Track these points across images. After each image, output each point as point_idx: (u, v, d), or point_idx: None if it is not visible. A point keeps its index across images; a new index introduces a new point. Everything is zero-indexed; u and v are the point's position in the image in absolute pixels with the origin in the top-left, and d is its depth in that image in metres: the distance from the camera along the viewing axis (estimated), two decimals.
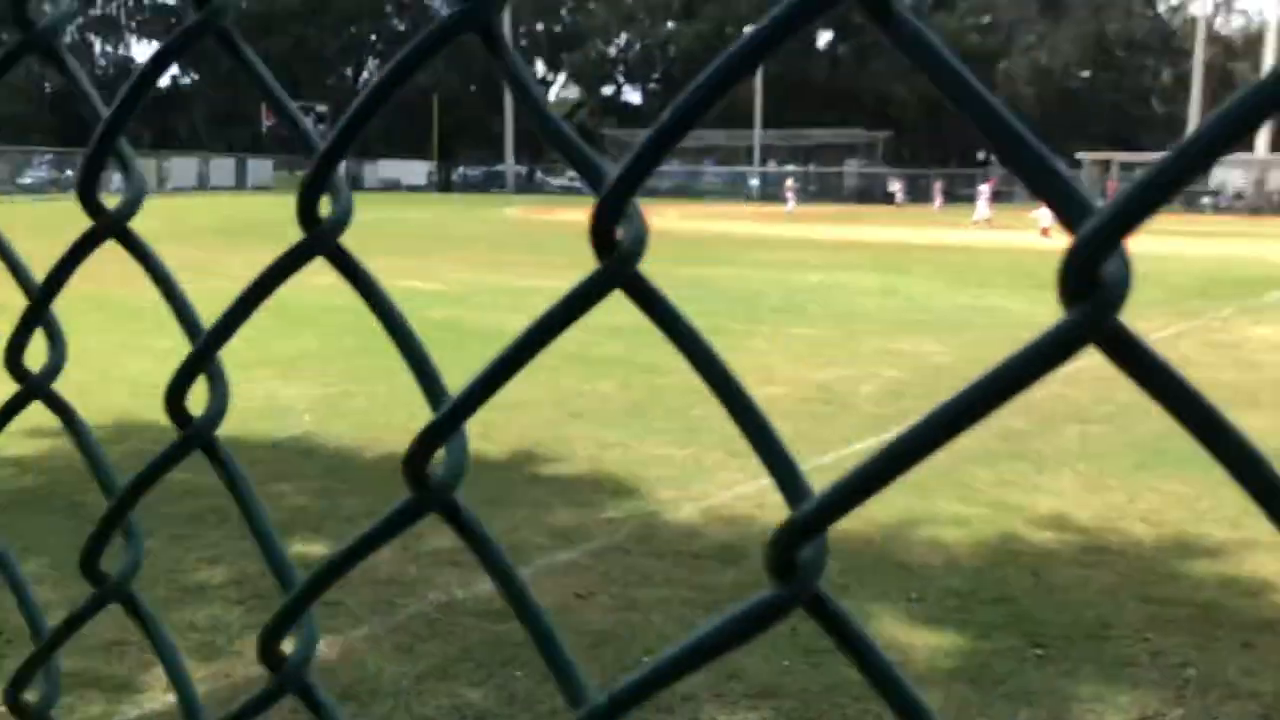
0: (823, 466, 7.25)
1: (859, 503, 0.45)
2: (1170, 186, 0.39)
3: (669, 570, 5.51)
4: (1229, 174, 64.49)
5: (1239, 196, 61.56)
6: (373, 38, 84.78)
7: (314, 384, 9.77)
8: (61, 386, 0.92)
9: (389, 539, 0.65)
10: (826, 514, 0.47)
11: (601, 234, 0.48)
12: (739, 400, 0.52)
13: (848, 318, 15.05)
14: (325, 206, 0.66)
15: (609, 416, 8.76)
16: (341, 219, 0.65)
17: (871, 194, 67.29)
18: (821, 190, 68.66)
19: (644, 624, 4.92)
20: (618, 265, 0.49)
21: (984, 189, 44.44)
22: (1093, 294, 0.41)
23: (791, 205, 53.29)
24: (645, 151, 0.47)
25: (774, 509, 6.39)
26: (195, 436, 0.73)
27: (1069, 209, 0.43)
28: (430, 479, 0.63)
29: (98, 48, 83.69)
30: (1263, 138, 63.54)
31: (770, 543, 0.49)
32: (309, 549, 5.71)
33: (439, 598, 5.13)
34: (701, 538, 5.98)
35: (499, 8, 0.54)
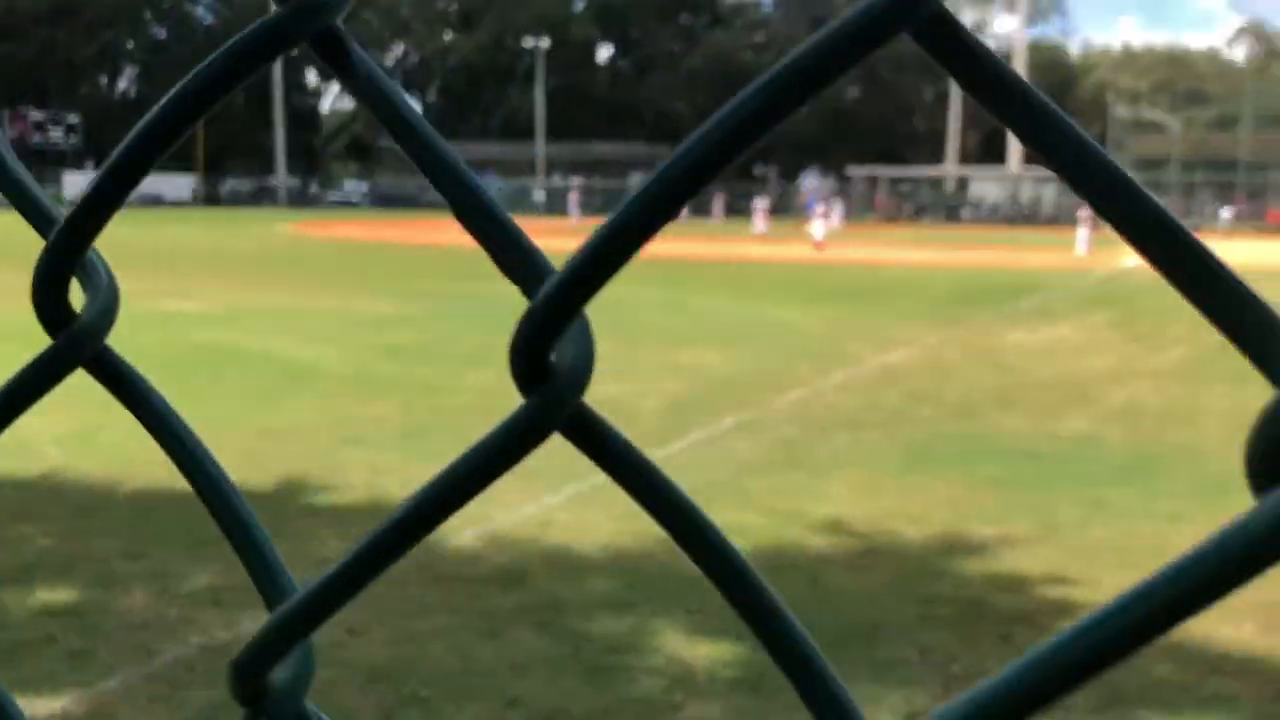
0: (601, 485, 7.23)
1: (334, 610, 0.45)
2: (626, 247, 0.35)
3: (449, 598, 5.36)
4: (986, 187, 68.63)
5: (995, 208, 65.59)
6: (129, 44, 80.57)
7: (61, 415, 9.08)
8: None
9: None
10: (303, 619, 0.44)
11: (51, 308, 0.44)
12: (218, 492, 0.50)
13: (630, 331, 15.17)
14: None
15: (386, 440, 8.51)
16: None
17: None
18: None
19: (422, 656, 4.76)
20: (78, 340, 0.46)
21: (759, 205, 45.86)
22: (547, 381, 0.37)
23: (575, 216, 53.60)
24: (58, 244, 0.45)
25: (558, 529, 6.33)
26: None
27: (522, 276, 0.40)
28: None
29: None
30: (1015, 154, 67.93)
31: (234, 665, 0.45)
32: (55, 595, 5.30)
33: (201, 640, 4.83)
34: (482, 562, 5.85)
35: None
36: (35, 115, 75.03)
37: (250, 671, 0.48)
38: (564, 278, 0.36)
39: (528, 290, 0.39)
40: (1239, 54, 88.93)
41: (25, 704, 4.27)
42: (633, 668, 4.66)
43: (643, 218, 0.35)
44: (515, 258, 0.40)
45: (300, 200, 75.86)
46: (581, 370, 0.38)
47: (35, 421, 8.91)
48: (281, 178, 76.41)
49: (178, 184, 74.03)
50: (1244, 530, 0.28)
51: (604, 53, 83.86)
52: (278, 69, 72.86)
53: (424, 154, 0.42)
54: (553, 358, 0.38)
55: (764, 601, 0.41)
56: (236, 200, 75.82)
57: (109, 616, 5.13)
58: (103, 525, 6.40)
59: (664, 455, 8.09)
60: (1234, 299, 0.31)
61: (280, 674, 0.49)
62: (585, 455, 0.40)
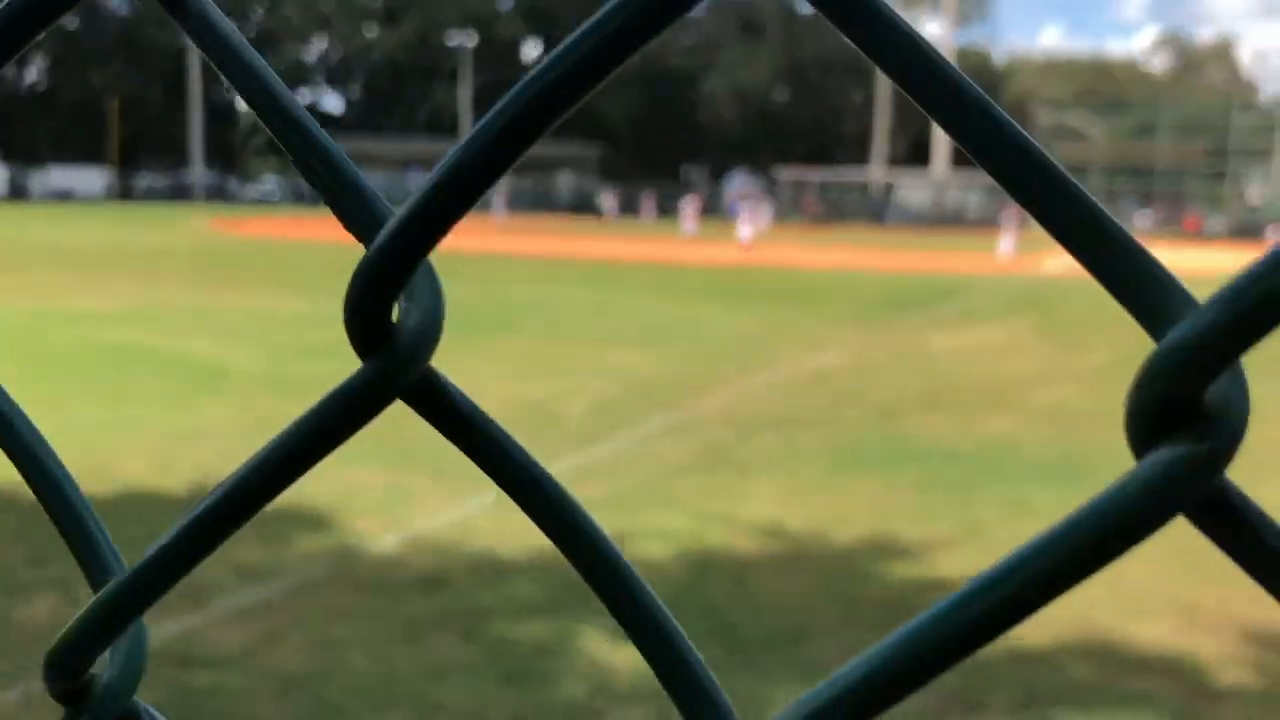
0: None
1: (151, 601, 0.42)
2: (475, 182, 0.32)
3: (369, 604, 5.23)
4: (912, 192, 69.52)
5: (921, 212, 66.48)
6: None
7: None
8: None
9: None
10: (128, 604, 0.42)
11: None
12: (38, 466, 0.47)
13: (557, 332, 15.08)
14: None
15: None
16: None
17: (585, 206, 68.34)
18: (535, 203, 69.10)
19: (340, 663, 4.64)
20: None
21: (688, 206, 45.99)
22: (389, 343, 0.34)
23: (502, 215, 53.30)
24: None
25: (481, 534, 6.22)
26: None
27: (360, 223, 0.37)
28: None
29: None
30: (940, 158, 68.92)
31: (50, 659, 0.43)
32: None
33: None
34: (403, 568, 5.73)
35: None
36: None
37: (70, 665, 0.44)
38: (404, 218, 0.32)
39: (366, 239, 0.35)
40: (1157, 63, 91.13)
41: None
42: (555, 673, 4.58)
43: (486, 153, 0.32)
44: (353, 203, 0.36)
45: (218, 196, 74.33)
46: (428, 331, 0.34)
47: None
48: (199, 173, 74.84)
49: (90, 178, 71.97)
50: (1121, 494, 0.26)
51: (531, 50, 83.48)
52: (195, 63, 71.44)
53: (261, 97, 0.39)
54: (396, 316, 0.35)
55: (621, 576, 0.38)
56: (151, 196, 74.02)
57: (9, 626, 4.93)
58: (5, 531, 6.16)
59: (590, 456, 8.02)
60: (1122, 254, 0.29)
61: (106, 669, 0.46)
62: (431, 425, 0.37)
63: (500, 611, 5.20)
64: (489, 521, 6.40)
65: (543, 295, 19.78)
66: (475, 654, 4.74)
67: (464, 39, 72.32)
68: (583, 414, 9.63)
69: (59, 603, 5.13)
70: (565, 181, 73.28)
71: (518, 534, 6.16)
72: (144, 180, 75.78)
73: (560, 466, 7.69)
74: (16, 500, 6.66)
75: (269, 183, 76.81)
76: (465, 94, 72.71)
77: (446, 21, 74.62)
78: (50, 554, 5.70)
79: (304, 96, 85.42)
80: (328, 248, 32.18)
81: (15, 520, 6.34)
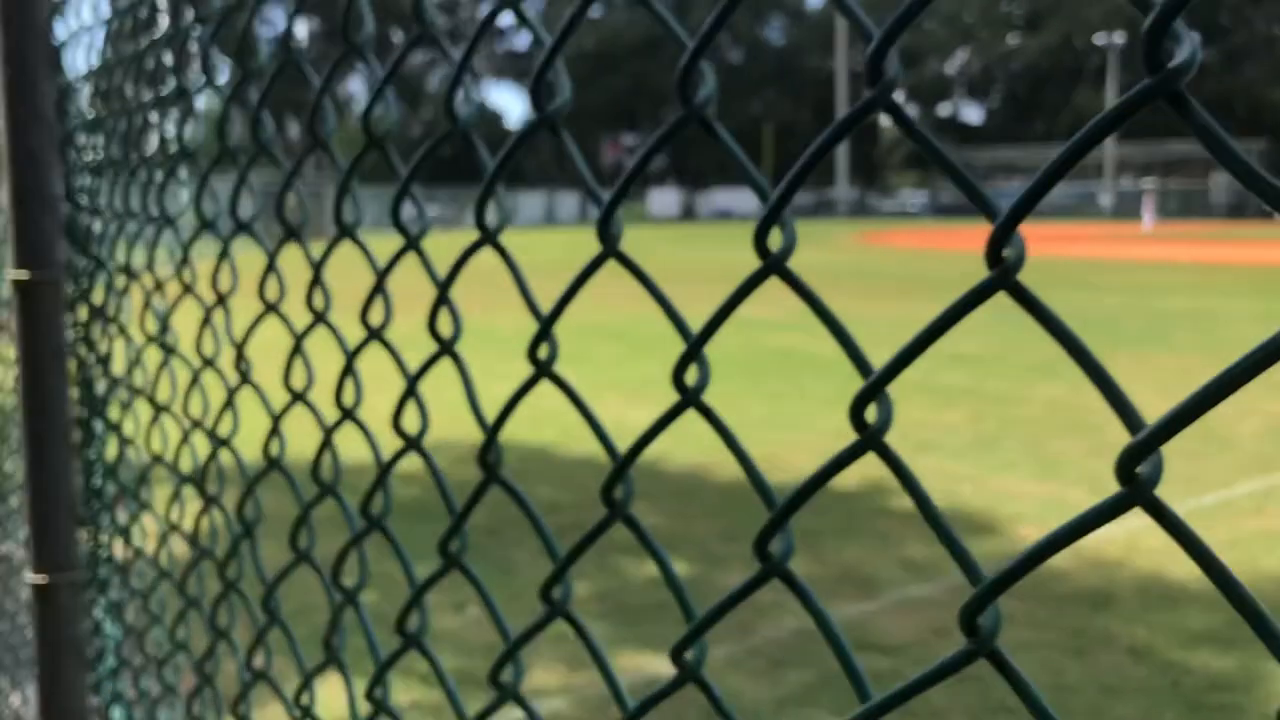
0: (1203, 508, 6.75)
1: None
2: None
3: (1032, 612, 5.27)
4: None
5: None
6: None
7: (660, 408, 9.99)
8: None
9: None
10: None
11: (993, 253, 0.62)
12: (1121, 401, 0.57)
13: (1220, 346, 13.90)
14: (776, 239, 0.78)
15: (958, 448, 8.51)
16: (788, 247, 0.78)
17: (1245, 209, 61.89)
18: (1184, 207, 63.85)
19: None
20: (1004, 274, 0.62)
21: None
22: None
23: (1149, 223, 49.93)
24: (1032, 193, 0.60)
25: (1145, 553, 6.01)
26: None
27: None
28: None
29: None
30: None
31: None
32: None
33: (794, 624, 5.15)
34: (1067, 580, 5.69)
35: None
36: (627, 140, 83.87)
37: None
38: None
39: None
40: None
41: (641, 662, 4.81)
42: (1237, 709, 4.32)
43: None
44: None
45: (859, 210, 77.58)
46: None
47: (638, 413, 9.98)
48: (842, 190, 78.55)
49: (746, 198, 78.67)
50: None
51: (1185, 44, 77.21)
52: (843, 86, 75.02)
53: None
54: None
55: None
56: (800, 211, 79.05)
57: (712, 592, 5.61)
58: (701, 508, 7.01)
59: (1271, 482, 7.37)
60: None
61: None
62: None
63: (1171, 636, 4.99)
64: (1154, 541, 6.15)
65: (1197, 305, 18.30)
66: (1149, 677, 4.61)
67: (1110, 38, 68.77)
68: (1256, 435, 8.84)
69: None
70: (1220, 182, 66.78)
71: (1186, 558, 5.85)
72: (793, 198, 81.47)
73: (1235, 493, 7.16)
74: (707, 482, 7.56)
75: (909, 196, 78.81)
76: (1110, 96, 69.08)
77: (1093, 22, 71.37)
78: (740, 532, 6.41)
79: (944, 109, 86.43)
80: (965, 257, 32.30)
81: (707, 500, 7.20)
